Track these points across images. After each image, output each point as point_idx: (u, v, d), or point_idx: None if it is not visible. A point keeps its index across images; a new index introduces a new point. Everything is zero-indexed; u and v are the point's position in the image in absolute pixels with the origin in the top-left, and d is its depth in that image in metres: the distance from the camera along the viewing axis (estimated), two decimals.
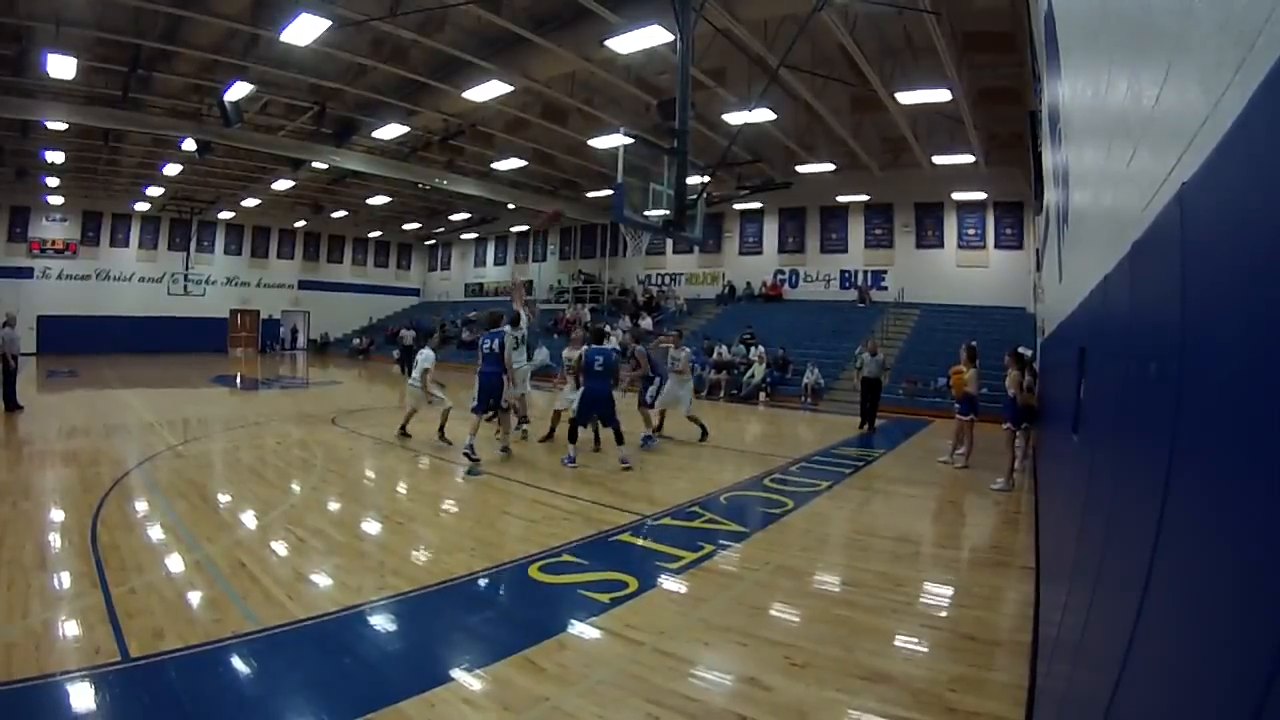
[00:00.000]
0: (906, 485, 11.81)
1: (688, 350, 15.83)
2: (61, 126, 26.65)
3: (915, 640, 5.56)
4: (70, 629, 5.60)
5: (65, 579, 6.65)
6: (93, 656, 5.08)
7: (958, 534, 9.45)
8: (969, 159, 25.84)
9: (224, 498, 10.20)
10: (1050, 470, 7.89)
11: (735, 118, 21.67)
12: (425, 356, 14.45)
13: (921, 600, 6.51)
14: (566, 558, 7.51)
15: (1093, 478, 3.28)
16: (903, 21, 17.13)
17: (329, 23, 16.01)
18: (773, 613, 6.18)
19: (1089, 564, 2.92)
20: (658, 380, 15.25)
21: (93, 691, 4.70)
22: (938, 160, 26.51)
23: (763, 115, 21.36)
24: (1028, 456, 11.56)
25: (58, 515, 8.99)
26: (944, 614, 6.25)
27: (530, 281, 45.12)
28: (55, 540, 7.90)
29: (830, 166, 28.71)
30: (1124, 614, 1.86)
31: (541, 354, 18.22)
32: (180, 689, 4.76)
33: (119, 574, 6.74)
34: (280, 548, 7.82)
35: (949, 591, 6.83)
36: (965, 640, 5.48)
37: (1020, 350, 12.62)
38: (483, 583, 6.84)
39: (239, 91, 21.93)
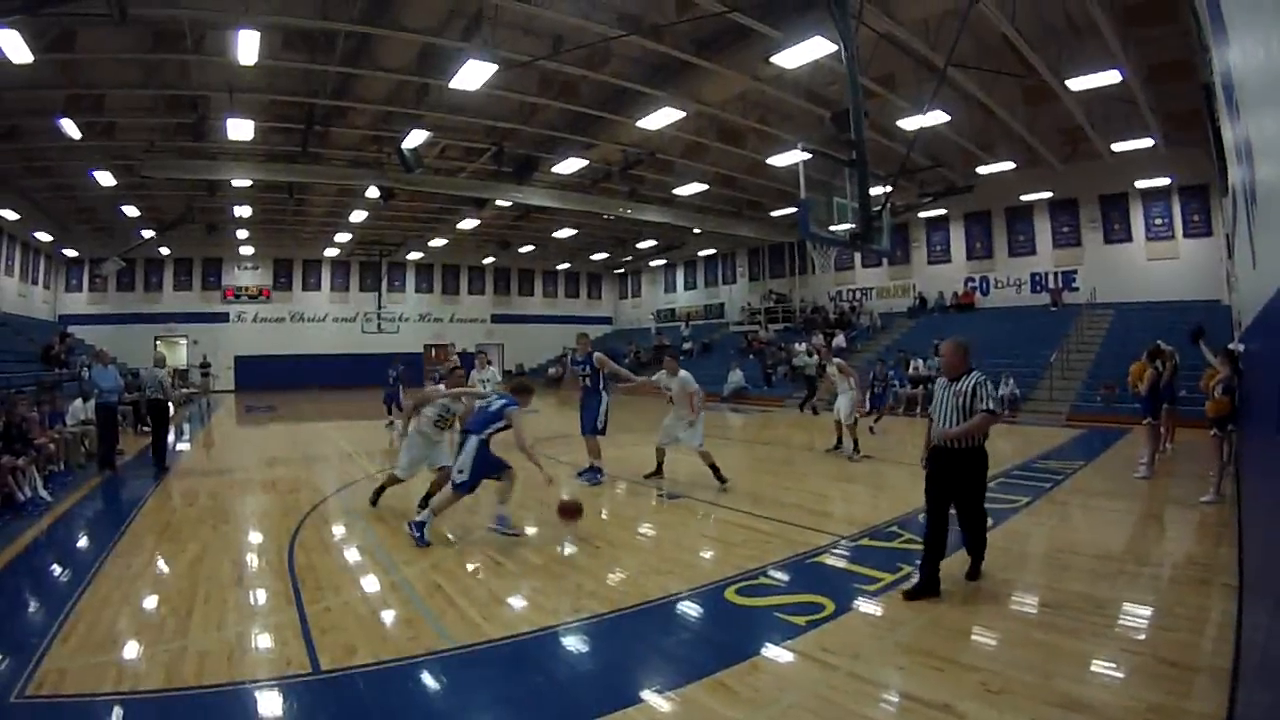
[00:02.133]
0: (1108, 499, 11.21)
1: (684, 376, 12.65)
2: (246, 183, 28.48)
3: (1113, 665, 5.22)
4: (263, 641, 5.92)
5: (261, 596, 7.05)
6: (283, 668, 5.35)
7: (1160, 550, 8.89)
8: (1148, 143, 24.48)
9: None
10: (1254, 476, 7.35)
11: (910, 123, 21.30)
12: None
13: (1120, 622, 6.11)
14: (763, 580, 7.43)
15: None
16: (1061, 1, 16.59)
17: (495, 66, 16.43)
18: (970, 636, 5.92)
19: None
20: (604, 400, 13.10)
21: (280, 700, 4.94)
22: (1117, 147, 25.21)
23: (937, 118, 20.83)
24: (1230, 462, 10.85)
25: (256, 537, 9.56)
26: (1143, 637, 5.86)
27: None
28: (253, 560, 8.38)
29: (1010, 165, 27.73)
30: None
31: (736, 376, 18.16)
32: (370, 702, 4.94)
33: (314, 593, 7.08)
34: (477, 570, 7.99)
35: (1148, 612, 6.38)
36: (1164, 665, 5.11)
37: (1230, 347, 11.91)
38: (678, 605, 6.79)
39: (416, 139, 22.79)
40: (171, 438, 19.23)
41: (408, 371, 22.50)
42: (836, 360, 15.40)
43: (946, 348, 7.10)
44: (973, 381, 6.69)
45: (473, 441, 9.23)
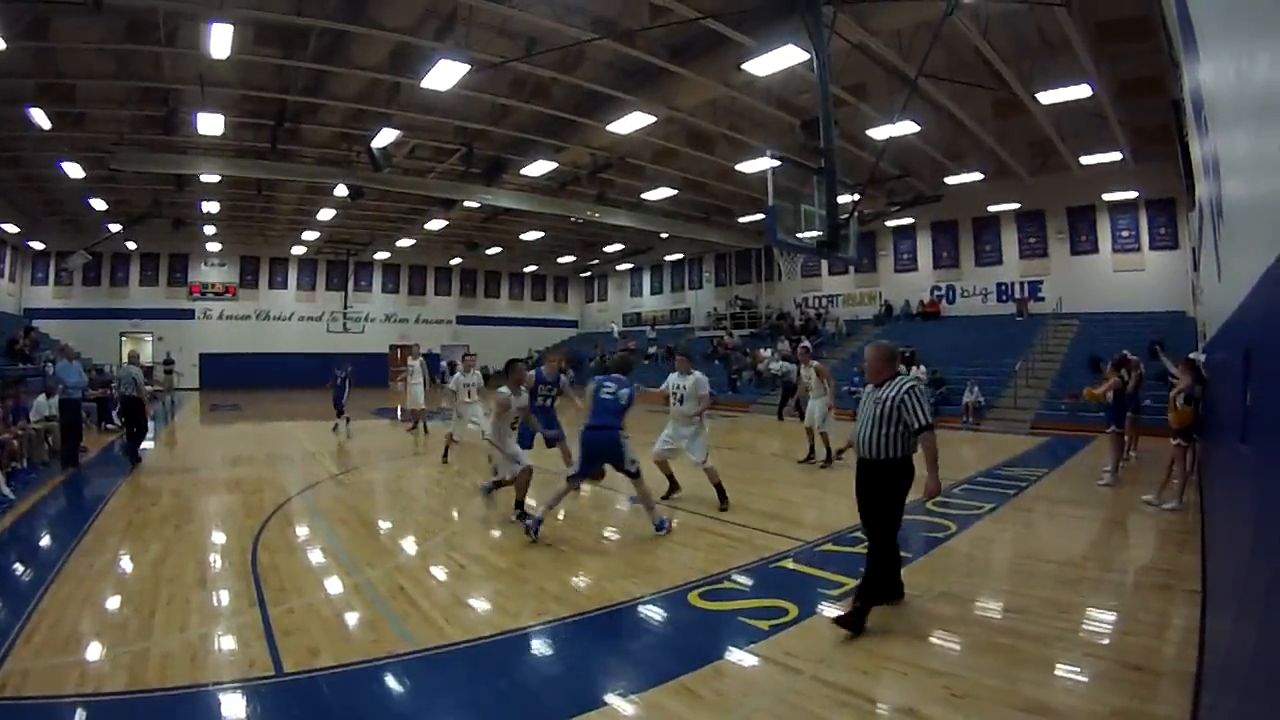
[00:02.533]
0: (1072, 505, 11.34)
1: (699, 376, 11.72)
2: (215, 179, 28.34)
3: (1078, 670, 5.28)
4: (226, 643, 5.90)
5: (224, 597, 7.04)
6: (246, 670, 5.35)
7: (1123, 556, 8.97)
8: (1116, 156, 24.79)
9: (385, 524, 10.59)
10: (1217, 484, 7.44)
11: (880, 132, 21.43)
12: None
13: (1085, 627, 6.19)
14: (727, 584, 7.47)
15: (1266, 492, 3.03)
16: (1035, 18, 16.66)
17: (467, 67, 16.36)
18: (934, 641, 5.96)
19: (1260, 587, 2.69)
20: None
21: (243, 702, 4.92)
22: (1085, 160, 25.50)
23: (907, 128, 21.09)
24: (1192, 471, 10.98)
25: (219, 537, 9.52)
26: (1107, 641, 5.95)
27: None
28: (216, 560, 8.34)
29: (978, 175, 28.04)
30: None
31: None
32: (333, 704, 4.95)
33: (278, 594, 7.06)
34: (440, 573, 8.05)
35: (1112, 618, 6.49)
36: (1128, 670, 5.19)
37: (1192, 357, 12.05)
38: (642, 609, 6.81)
39: (386, 138, 22.70)
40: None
41: (354, 373, 22.22)
42: (815, 364, 15.27)
43: (869, 352, 6.70)
44: (898, 389, 6.23)
45: (625, 438, 9.33)
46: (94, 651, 5.67)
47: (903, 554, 7.68)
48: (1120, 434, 13.02)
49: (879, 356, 6.59)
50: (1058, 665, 5.39)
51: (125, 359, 16.11)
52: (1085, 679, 5.15)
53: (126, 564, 8.18)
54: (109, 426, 21.44)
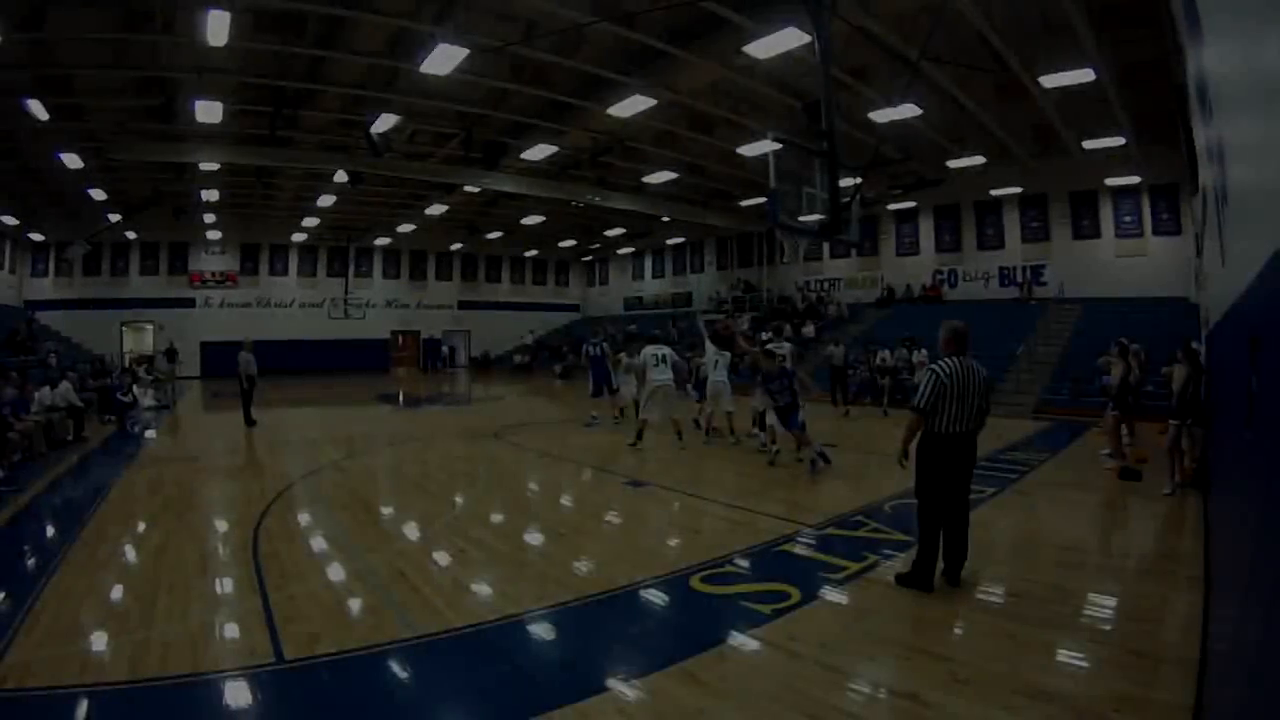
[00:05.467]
0: (1073, 490, 11.36)
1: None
2: (214, 167, 28.22)
3: (1080, 656, 5.27)
4: (227, 631, 5.92)
5: (225, 584, 7.06)
6: (248, 657, 5.35)
7: (1125, 541, 9.00)
8: (1119, 141, 24.62)
9: (386, 510, 10.60)
10: (1221, 470, 7.42)
11: (882, 115, 21.39)
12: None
13: (1087, 613, 6.19)
14: (729, 568, 7.46)
15: (1272, 477, 3.00)
16: (1037, 0, 16.58)
17: (466, 51, 16.26)
18: (937, 626, 5.97)
19: (1266, 573, 2.67)
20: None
21: (245, 689, 4.94)
22: (1088, 145, 25.33)
23: (908, 111, 21.04)
24: (1188, 457, 10.97)
25: (221, 525, 9.56)
26: (1109, 627, 5.95)
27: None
28: (217, 548, 8.38)
29: (980, 159, 27.89)
30: None
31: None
32: (334, 691, 4.95)
33: (279, 581, 7.08)
34: (442, 558, 8.05)
35: (1115, 603, 6.49)
36: (1131, 656, 5.19)
37: (1194, 345, 12.02)
38: (644, 593, 6.82)
39: (385, 123, 22.63)
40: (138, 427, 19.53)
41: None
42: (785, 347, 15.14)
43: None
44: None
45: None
46: (96, 641, 5.68)
47: (904, 537, 7.69)
48: (1120, 418, 13.03)
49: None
50: (1060, 650, 5.38)
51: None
52: (1088, 664, 5.15)
53: (128, 554, 8.20)
54: (109, 418, 21.43)
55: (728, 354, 15.24)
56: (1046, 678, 4.91)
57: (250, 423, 19.96)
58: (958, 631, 5.88)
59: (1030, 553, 8.04)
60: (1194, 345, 12.11)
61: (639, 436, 14.85)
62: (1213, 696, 4.11)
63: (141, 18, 16.48)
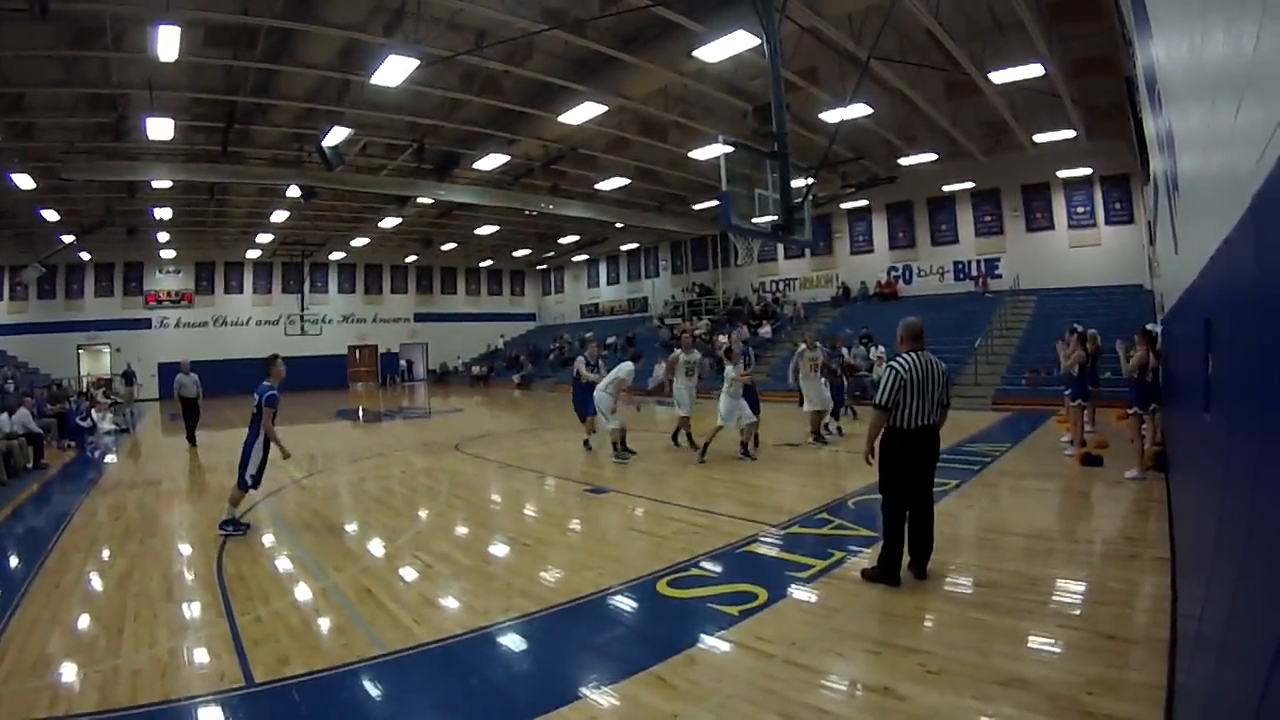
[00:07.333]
0: (1036, 479, 11.48)
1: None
2: (167, 184, 27.94)
3: (1051, 641, 5.34)
4: (196, 656, 5.84)
5: (191, 610, 6.95)
6: (217, 683, 5.29)
7: (1090, 527, 9.05)
8: (1070, 134, 25.00)
9: (350, 527, 10.50)
10: (1181, 453, 7.53)
11: (832, 116, 21.36)
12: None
13: (1056, 599, 6.26)
14: (695, 571, 7.46)
15: (1231, 458, 3.06)
16: None
17: (417, 61, 16.13)
18: (906, 619, 6.01)
19: (1230, 553, 2.72)
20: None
21: (217, 715, 4.89)
22: (1039, 139, 25.63)
23: (859, 110, 21.11)
24: (1157, 441, 11.12)
25: (185, 549, 9.40)
26: (1079, 612, 6.00)
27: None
28: (182, 573, 8.23)
29: (932, 156, 28.16)
30: (1272, 607, 1.70)
31: (660, 369, 17.86)
32: (305, 712, 4.92)
33: (245, 603, 7.00)
34: (407, 573, 7.98)
35: (1083, 588, 6.56)
36: (1102, 639, 5.24)
37: (1149, 328, 12.18)
38: (610, 600, 6.81)
39: (337, 136, 22.46)
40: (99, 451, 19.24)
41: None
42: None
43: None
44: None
45: None
46: (64, 672, 5.59)
47: (869, 533, 7.74)
48: (1083, 407, 13.20)
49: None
50: (1031, 637, 5.43)
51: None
52: (1059, 650, 5.20)
53: (93, 581, 8.06)
54: (68, 444, 21.14)
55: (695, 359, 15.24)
56: (1019, 665, 4.95)
57: (192, 442, 20.20)
58: (927, 624, 5.92)
59: (996, 543, 8.11)
60: (1149, 327, 12.27)
61: (705, 449, 14.41)
62: (1184, 674, 4.17)
63: (92, 34, 16.35)
